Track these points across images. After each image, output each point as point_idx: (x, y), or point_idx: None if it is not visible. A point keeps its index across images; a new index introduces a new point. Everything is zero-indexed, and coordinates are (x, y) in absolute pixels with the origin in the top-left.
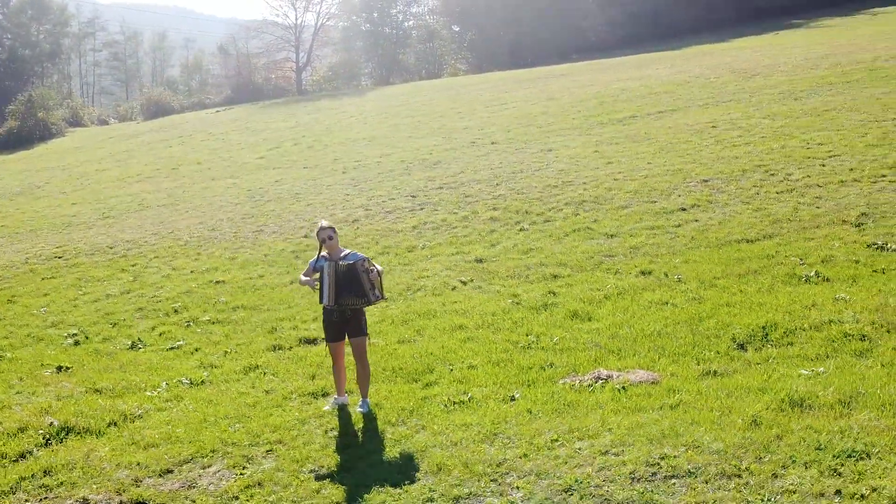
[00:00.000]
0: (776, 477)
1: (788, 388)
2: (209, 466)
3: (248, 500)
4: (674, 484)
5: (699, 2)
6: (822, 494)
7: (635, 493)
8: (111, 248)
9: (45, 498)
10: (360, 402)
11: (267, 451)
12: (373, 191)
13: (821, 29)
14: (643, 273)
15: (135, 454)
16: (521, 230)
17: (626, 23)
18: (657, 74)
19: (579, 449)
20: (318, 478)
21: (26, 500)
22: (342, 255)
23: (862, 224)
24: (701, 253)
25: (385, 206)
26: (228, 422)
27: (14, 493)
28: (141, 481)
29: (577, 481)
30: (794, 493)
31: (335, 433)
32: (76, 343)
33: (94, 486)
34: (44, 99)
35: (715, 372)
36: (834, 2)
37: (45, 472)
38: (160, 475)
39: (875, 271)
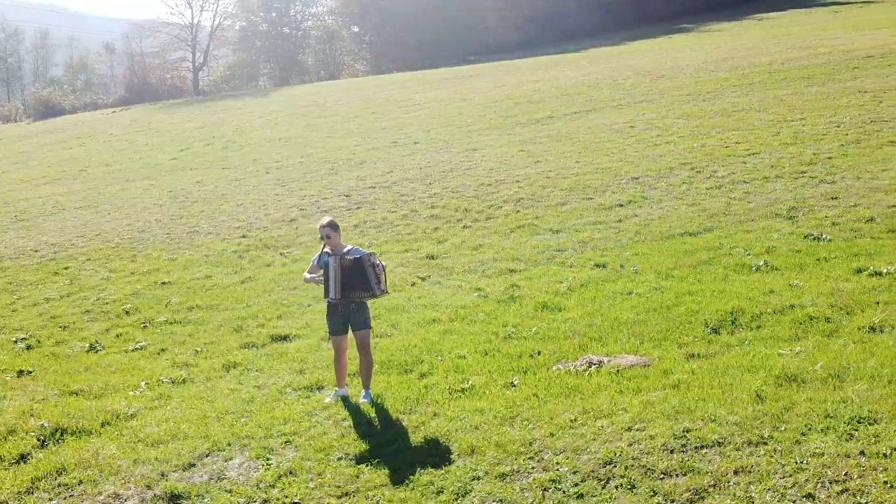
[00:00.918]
0: (798, 443)
1: (779, 365)
2: (231, 459)
3: (286, 487)
4: (706, 453)
5: (593, 6)
6: (848, 455)
7: (674, 461)
8: (36, 251)
9: (70, 496)
10: (362, 393)
11: (284, 442)
12: (303, 191)
13: (710, 33)
14: (598, 266)
15: (146, 451)
16: (464, 227)
17: (523, 25)
18: (565, 76)
19: (602, 427)
20: (352, 464)
21: (50, 500)
22: (345, 250)
23: (793, 217)
24: (648, 246)
25: (320, 206)
26: (232, 417)
27: (32, 493)
28: (166, 475)
29: (614, 454)
30: (822, 455)
31: (347, 423)
32: (28, 347)
33: (119, 483)
34: None
35: (698, 354)
36: (717, 7)
37: (58, 471)
38: (184, 469)
39: (818, 260)
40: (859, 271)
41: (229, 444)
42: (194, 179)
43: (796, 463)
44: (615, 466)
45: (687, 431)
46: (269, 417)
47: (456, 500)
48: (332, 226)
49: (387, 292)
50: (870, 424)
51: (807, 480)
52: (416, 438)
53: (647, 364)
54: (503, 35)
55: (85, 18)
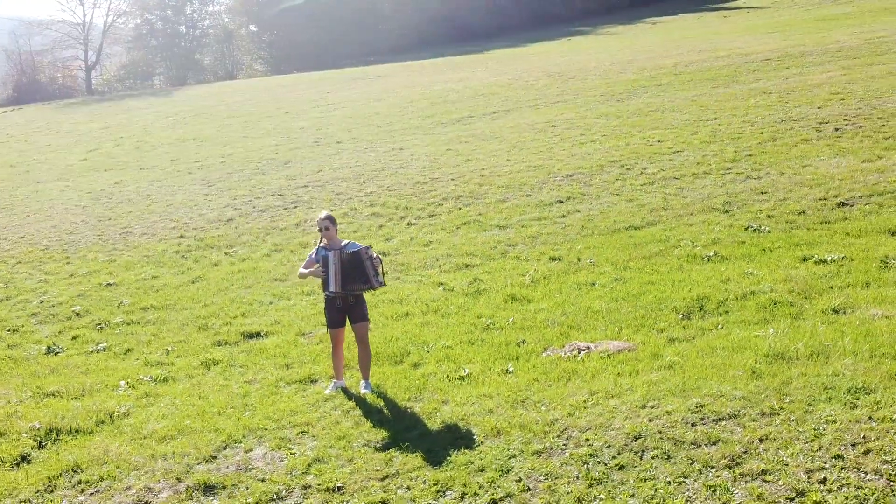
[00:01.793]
0: (809, 412)
1: (766, 345)
2: (251, 450)
3: (321, 474)
4: (725, 425)
5: (493, 8)
6: (859, 421)
7: (700, 433)
8: None
9: (96, 492)
10: (363, 384)
11: (300, 432)
12: (232, 190)
13: (608, 36)
14: (553, 259)
15: (157, 447)
16: (409, 224)
17: (422, 26)
18: (476, 77)
19: (616, 406)
20: (379, 449)
21: (75, 497)
22: (342, 244)
23: (729, 210)
24: (597, 239)
25: (255, 206)
26: (235, 411)
27: (51, 492)
28: (192, 468)
29: (640, 430)
30: (835, 421)
31: (357, 413)
32: None
33: (144, 477)
34: None
35: (678, 339)
36: (611, 10)
37: (73, 469)
38: (206, 461)
39: (763, 250)
40: (805, 259)
41: (244, 437)
42: (112, 180)
43: (814, 430)
44: (645, 440)
45: (701, 406)
46: (275, 409)
47: (501, 476)
48: (331, 219)
49: (384, 284)
50: (867, 394)
51: (830, 444)
52: (433, 424)
53: (633, 349)
54: (403, 36)
55: None
